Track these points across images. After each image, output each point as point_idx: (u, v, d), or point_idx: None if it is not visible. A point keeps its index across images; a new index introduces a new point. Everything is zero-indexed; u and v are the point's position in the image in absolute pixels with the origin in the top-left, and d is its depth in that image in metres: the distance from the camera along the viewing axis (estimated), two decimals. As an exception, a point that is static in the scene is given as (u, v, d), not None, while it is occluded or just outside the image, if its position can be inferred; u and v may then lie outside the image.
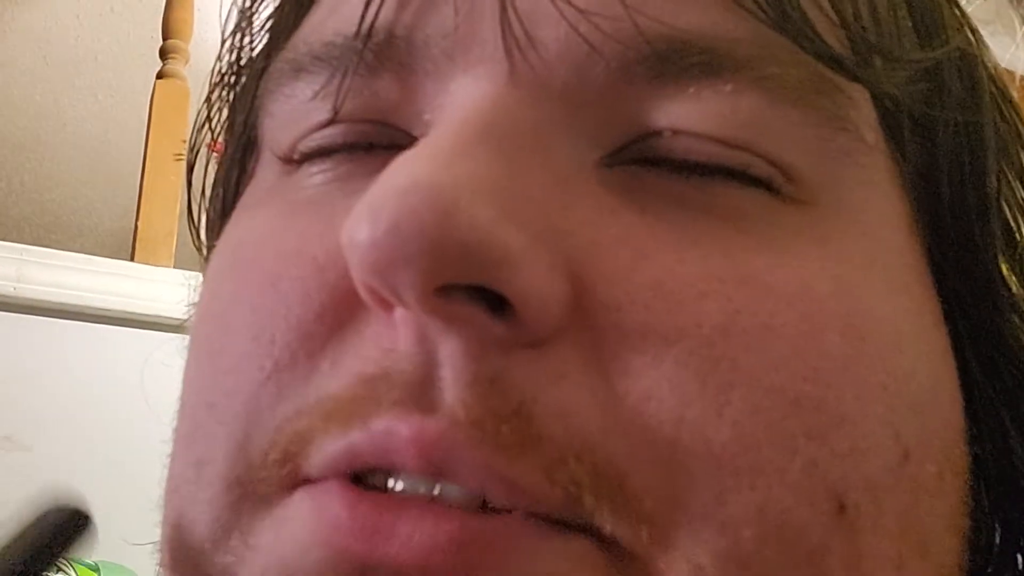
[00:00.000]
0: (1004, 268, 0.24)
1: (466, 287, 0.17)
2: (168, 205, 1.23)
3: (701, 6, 0.20)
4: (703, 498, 0.17)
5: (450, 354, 0.17)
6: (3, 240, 1.13)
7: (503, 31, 0.20)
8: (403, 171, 0.17)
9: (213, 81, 0.29)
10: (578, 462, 0.17)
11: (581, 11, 0.19)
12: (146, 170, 1.27)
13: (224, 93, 0.29)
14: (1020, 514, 0.23)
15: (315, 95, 0.22)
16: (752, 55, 0.19)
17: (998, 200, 0.24)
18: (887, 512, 0.18)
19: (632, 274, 0.18)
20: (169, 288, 1.09)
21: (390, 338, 0.18)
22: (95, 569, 0.90)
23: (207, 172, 0.30)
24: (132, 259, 1.20)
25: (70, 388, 1.07)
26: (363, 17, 0.21)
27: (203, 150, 0.31)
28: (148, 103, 1.33)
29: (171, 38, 1.36)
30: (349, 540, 0.17)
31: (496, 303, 0.17)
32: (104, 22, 1.74)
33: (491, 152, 0.18)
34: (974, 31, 0.25)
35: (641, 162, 0.20)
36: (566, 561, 0.17)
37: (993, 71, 0.25)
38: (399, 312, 0.18)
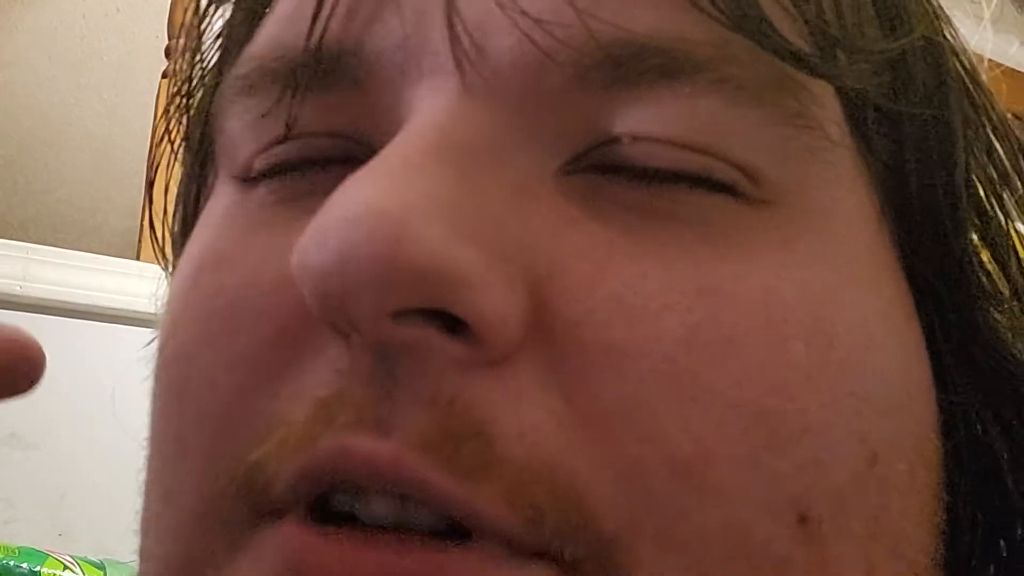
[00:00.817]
0: (982, 254, 0.24)
1: (421, 310, 0.17)
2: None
3: (656, 9, 0.19)
4: (664, 517, 0.17)
5: (406, 376, 0.17)
6: (9, 239, 1.14)
7: (451, 42, 0.19)
8: (352, 194, 0.17)
9: (170, 95, 0.29)
10: (539, 484, 0.17)
11: (533, 18, 0.19)
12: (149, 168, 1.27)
13: (180, 108, 0.28)
14: (1000, 502, 0.23)
15: (267, 112, 0.21)
16: (710, 56, 0.19)
17: (968, 188, 0.23)
18: (853, 517, 0.18)
19: (592, 288, 0.18)
20: (174, 287, 1.09)
21: (347, 360, 0.18)
22: (101, 567, 0.90)
23: (168, 188, 0.30)
24: (137, 258, 1.21)
25: (75, 386, 1.07)
26: (311, 31, 0.20)
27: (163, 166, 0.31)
28: (153, 102, 1.33)
29: (176, 38, 1.36)
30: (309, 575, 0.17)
31: (453, 323, 0.17)
32: (110, 22, 1.74)
33: (444, 167, 0.18)
34: (939, 16, 0.24)
35: (601, 170, 0.19)
36: None
37: (961, 55, 0.25)
38: (355, 336, 0.17)
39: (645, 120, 0.19)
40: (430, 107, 0.19)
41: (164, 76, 1.34)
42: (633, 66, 0.19)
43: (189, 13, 0.28)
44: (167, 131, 0.29)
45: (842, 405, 0.19)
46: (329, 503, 0.18)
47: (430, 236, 0.16)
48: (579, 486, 0.17)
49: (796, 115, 0.20)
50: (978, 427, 0.23)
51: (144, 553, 0.21)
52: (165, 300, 0.23)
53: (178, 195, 0.29)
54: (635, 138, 0.19)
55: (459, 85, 0.19)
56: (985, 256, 0.24)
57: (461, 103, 0.19)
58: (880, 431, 0.19)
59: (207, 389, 0.20)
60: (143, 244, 1.22)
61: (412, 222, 0.16)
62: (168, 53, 1.36)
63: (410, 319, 0.17)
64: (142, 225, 1.23)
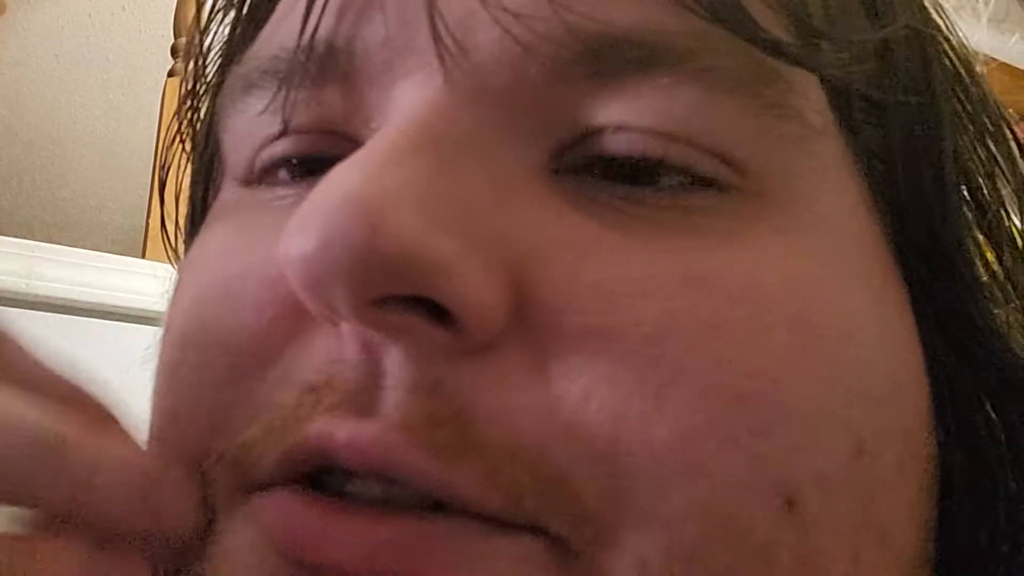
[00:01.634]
0: (982, 243, 0.23)
1: (403, 297, 0.17)
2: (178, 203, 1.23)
3: (634, 2, 0.19)
4: (645, 495, 0.17)
5: (393, 362, 0.17)
6: (14, 237, 1.14)
7: (434, 38, 0.19)
8: (333, 184, 0.17)
9: (181, 95, 0.29)
10: (518, 465, 0.17)
11: (513, 14, 0.19)
12: (156, 168, 1.27)
13: (189, 111, 0.29)
14: (996, 501, 0.23)
15: (265, 109, 0.22)
16: (688, 48, 0.19)
17: (958, 178, 0.23)
18: (840, 506, 0.18)
19: (574, 276, 0.18)
20: (179, 285, 1.10)
21: (337, 348, 0.18)
22: (105, 564, 0.90)
23: (180, 186, 0.31)
24: (143, 256, 1.21)
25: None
26: (303, 30, 0.21)
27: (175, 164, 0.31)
28: (159, 101, 1.33)
29: (181, 36, 1.36)
30: (297, 543, 0.17)
31: (437, 311, 0.17)
32: (115, 20, 1.75)
33: (425, 159, 0.18)
34: (926, 6, 0.24)
35: (586, 164, 0.20)
36: (513, 560, 0.17)
37: (954, 44, 0.25)
38: (342, 324, 0.18)
39: (626, 112, 0.19)
40: (413, 102, 0.20)
41: (170, 75, 1.34)
42: (611, 58, 0.19)
43: (195, 17, 0.28)
44: (179, 131, 0.30)
45: (827, 393, 0.19)
46: (321, 482, 0.18)
47: (405, 224, 0.17)
48: (560, 467, 0.17)
49: (774, 104, 0.20)
50: (971, 422, 0.23)
51: None
52: (170, 295, 0.24)
53: (189, 195, 0.30)
54: (617, 129, 0.19)
55: (442, 80, 0.20)
56: (988, 250, 0.24)
57: (443, 98, 0.19)
58: (867, 422, 0.19)
59: (200, 370, 0.20)
60: (149, 242, 1.23)
61: (387, 210, 0.17)
62: (174, 52, 1.36)
63: (392, 306, 0.17)
64: (148, 223, 1.24)
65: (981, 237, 0.24)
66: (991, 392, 0.23)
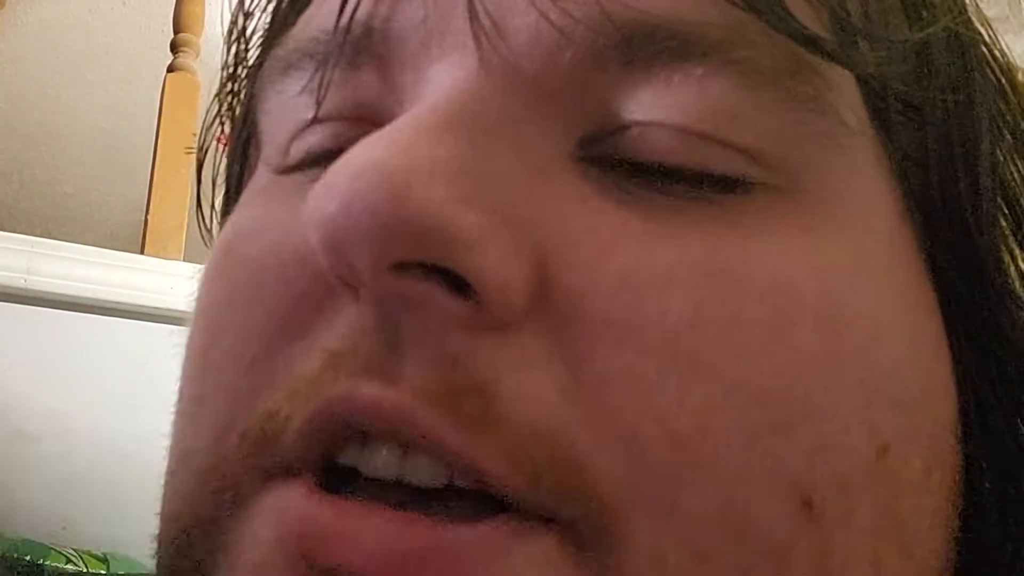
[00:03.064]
0: (1016, 252, 0.23)
1: (424, 265, 0.17)
2: (178, 198, 1.23)
3: None
4: (662, 489, 0.17)
5: (411, 331, 0.17)
6: (14, 232, 1.14)
7: (470, 19, 0.20)
8: (361, 153, 0.17)
9: (222, 77, 0.29)
10: (539, 447, 0.17)
11: None
12: (156, 163, 1.27)
13: (229, 90, 0.29)
14: (1017, 509, 0.22)
15: (302, 90, 0.22)
16: (723, 38, 0.19)
17: (994, 183, 0.23)
18: (860, 509, 0.18)
19: (599, 263, 0.18)
20: (179, 281, 1.10)
21: (359, 316, 0.18)
22: (103, 560, 0.91)
23: (216, 169, 0.31)
24: (142, 252, 1.21)
25: (79, 380, 1.07)
26: (341, 11, 0.21)
27: (212, 146, 0.32)
28: (159, 96, 1.33)
29: (182, 32, 1.36)
30: (310, 545, 0.17)
31: (458, 284, 0.17)
32: (116, 15, 1.75)
33: (456, 137, 0.18)
34: (966, 9, 0.24)
35: (613, 162, 0.20)
36: (530, 568, 0.17)
37: (997, 54, 0.24)
38: (363, 290, 0.18)
39: (657, 103, 0.19)
40: (447, 82, 0.20)
41: (170, 70, 1.34)
42: (646, 47, 0.19)
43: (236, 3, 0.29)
44: (218, 114, 0.30)
45: (850, 393, 0.18)
46: (336, 461, 0.18)
47: (432, 195, 0.17)
48: (578, 453, 0.17)
49: (809, 100, 0.20)
50: (999, 431, 0.22)
51: (161, 512, 0.22)
52: (201, 276, 0.24)
53: (225, 175, 0.30)
54: (646, 126, 0.19)
55: (476, 62, 0.20)
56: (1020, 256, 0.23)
57: (478, 79, 0.19)
58: (892, 424, 0.19)
59: (228, 352, 0.20)
60: (148, 238, 1.23)
61: (415, 180, 0.17)
62: (174, 47, 1.36)
63: (412, 272, 0.17)
64: (147, 219, 1.23)
65: (1016, 244, 0.23)
66: (1020, 406, 0.23)
